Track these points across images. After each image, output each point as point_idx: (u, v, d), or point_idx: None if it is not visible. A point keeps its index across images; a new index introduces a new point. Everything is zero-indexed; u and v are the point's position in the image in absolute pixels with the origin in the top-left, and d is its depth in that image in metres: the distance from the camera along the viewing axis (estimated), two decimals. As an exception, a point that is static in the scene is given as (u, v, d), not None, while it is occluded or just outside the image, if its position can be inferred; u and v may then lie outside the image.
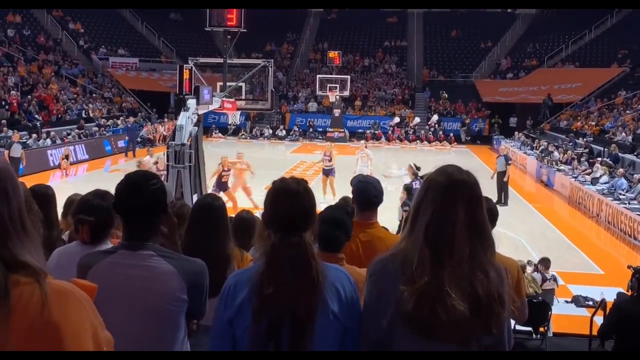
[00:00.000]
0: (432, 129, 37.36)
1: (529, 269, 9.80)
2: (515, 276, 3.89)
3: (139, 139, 30.04)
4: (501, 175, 18.17)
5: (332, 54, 38.24)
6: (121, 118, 32.94)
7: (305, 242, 2.32)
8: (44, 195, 3.90)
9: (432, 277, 2.01)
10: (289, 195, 2.39)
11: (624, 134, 25.56)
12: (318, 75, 37.20)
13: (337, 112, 37.33)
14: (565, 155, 23.61)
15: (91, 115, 32.13)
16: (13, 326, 1.42)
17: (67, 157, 23.13)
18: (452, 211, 2.05)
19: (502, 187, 17.89)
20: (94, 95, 35.63)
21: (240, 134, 36.58)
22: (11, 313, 1.43)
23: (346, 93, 36.43)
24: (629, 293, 5.87)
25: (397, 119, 38.16)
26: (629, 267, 6.22)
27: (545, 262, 9.99)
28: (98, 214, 3.16)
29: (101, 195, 3.28)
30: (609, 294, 8.33)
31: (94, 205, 3.21)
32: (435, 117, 38.04)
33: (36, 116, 27.98)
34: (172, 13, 46.99)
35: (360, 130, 37.69)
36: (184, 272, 2.54)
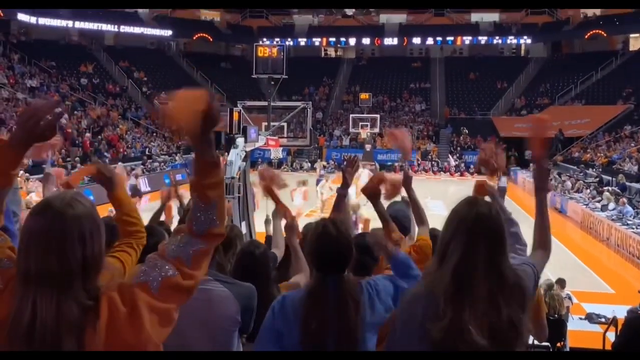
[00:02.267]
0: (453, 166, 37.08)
1: (555, 288, 9.53)
2: (536, 298, 3.80)
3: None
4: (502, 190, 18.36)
5: (364, 95, 38.44)
6: (178, 154, 33.46)
7: (344, 281, 2.30)
8: (110, 226, 3.94)
9: (454, 314, 1.93)
10: (329, 241, 2.39)
11: (630, 164, 25.07)
12: (351, 115, 37.38)
13: (368, 147, 37.31)
14: (577, 185, 23.19)
15: (153, 152, 32.70)
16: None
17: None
18: (477, 252, 1.98)
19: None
20: (154, 134, 36.29)
21: (282, 167, 36.78)
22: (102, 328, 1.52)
23: (376, 130, 36.49)
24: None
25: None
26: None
27: (561, 282, 9.80)
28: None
29: (151, 233, 3.15)
30: (620, 312, 8.12)
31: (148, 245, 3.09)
32: (452, 162, 37.60)
33: (105, 154, 28.58)
34: (223, 62, 47.75)
35: (389, 163, 37.60)
36: (238, 295, 2.56)
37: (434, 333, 1.94)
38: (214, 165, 1.68)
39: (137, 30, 45.42)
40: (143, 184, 26.35)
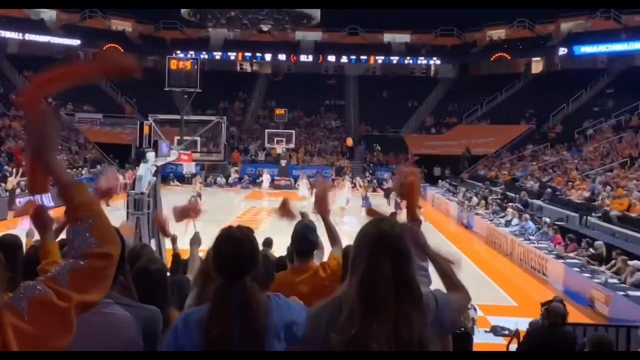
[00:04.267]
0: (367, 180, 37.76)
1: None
2: None
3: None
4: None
5: (279, 110, 38.57)
6: (85, 168, 32.25)
7: (247, 286, 2.29)
8: (12, 245, 3.71)
9: (359, 330, 1.96)
10: (232, 242, 2.37)
11: (532, 182, 26.34)
12: (267, 130, 37.39)
13: (283, 162, 37.43)
14: (482, 201, 24.11)
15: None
16: None
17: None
18: (381, 267, 2.02)
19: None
20: (60, 147, 34.81)
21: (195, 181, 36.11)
22: None
23: (292, 145, 36.66)
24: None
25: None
26: (541, 304, 6.31)
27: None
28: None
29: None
30: (522, 324, 8.44)
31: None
32: (360, 181, 38.25)
33: (6, 167, 27.12)
34: (134, 74, 46.47)
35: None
36: (139, 319, 2.47)
37: (336, 345, 1.98)
38: (66, 189, 1.61)
39: (43, 38, 43.65)
40: (46, 199, 25.12)
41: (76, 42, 44.96)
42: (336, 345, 1.98)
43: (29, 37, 42.87)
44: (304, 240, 3.96)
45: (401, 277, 2.03)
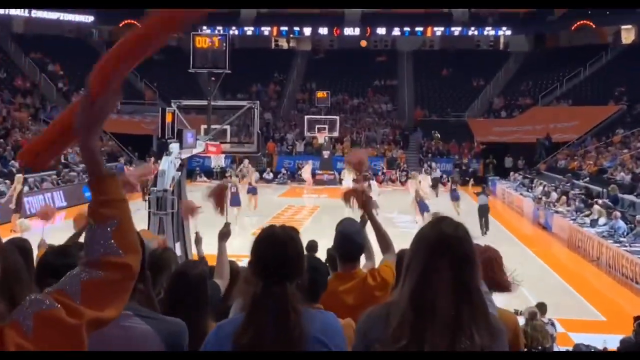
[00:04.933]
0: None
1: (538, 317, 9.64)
2: (512, 331, 3.83)
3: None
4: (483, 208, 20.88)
5: (321, 93, 38.62)
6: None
7: (288, 293, 2.32)
8: (22, 249, 3.80)
9: (410, 341, 1.98)
10: (273, 243, 2.42)
11: (622, 173, 25.76)
12: (306, 116, 37.48)
13: (326, 153, 37.43)
14: (563, 197, 23.71)
15: (70, 160, 32.10)
16: None
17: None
18: (439, 272, 2.03)
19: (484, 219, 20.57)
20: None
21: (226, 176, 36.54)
22: None
23: (335, 134, 36.64)
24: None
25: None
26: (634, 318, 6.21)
27: (541, 308, 9.94)
28: (61, 275, 3.02)
29: (63, 252, 3.06)
30: (612, 342, 8.30)
31: (57, 265, 2.89)
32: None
33: (12, 161, 27.91)
34: (155, 54, 47.20)
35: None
36: (162, 333, 2.52)
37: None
38: (101, 181, 1.59)
39: (52, 15, 44.70)
40: (58, 198, 25.82)
41: (89, 18, 45.90)
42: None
43: (36, 14, 43.95)
44: (348, 242, 3.93)
45: (462, 285, 2.03)
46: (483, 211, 20.99)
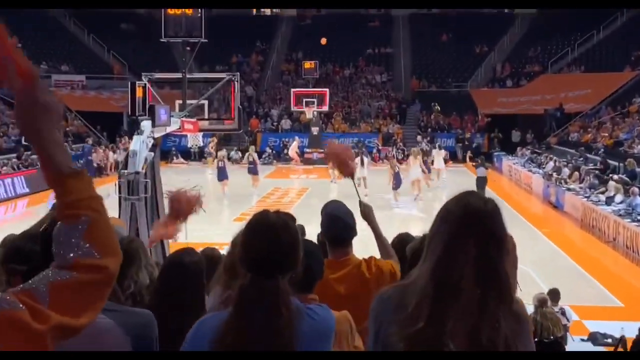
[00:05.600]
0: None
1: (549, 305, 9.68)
2: None
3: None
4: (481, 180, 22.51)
5: (308, 64, 38.50)
6: (67, 143, 32.80)
7: (280, 289, 2.29)
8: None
9: (428, 325, 1.97)
10: (265, 230, 2.38)
11: (640, 146, 25.84)
12: (293, 89, 37.40)
13: (315, 130, 37.35)
14: (576, 173, 23.78)
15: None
16: None
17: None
18: (464, 250, 2.02)
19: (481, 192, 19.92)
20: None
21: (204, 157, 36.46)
22: None
23: (325, 108, 36.60)
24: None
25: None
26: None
27: (553, 295, 9.98)
28: (32, 261, 3.06)
29: (33, 238, 2.98)
30: (630, 330, 8.36)
31: (25, 251, 2.97)
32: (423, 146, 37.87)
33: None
34: (123, 23, 46.97)
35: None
36: (126, 325, 2.52)
37: (397, 343, 1.99)
38: (61, 180, 1.55)
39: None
40: (19, 185, 25.71)
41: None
42: (398, 343, 1.99)
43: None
44: (337, 224, 3.89)
45: (489, 265, 2.01)
46: (481, 183, 22.31)
